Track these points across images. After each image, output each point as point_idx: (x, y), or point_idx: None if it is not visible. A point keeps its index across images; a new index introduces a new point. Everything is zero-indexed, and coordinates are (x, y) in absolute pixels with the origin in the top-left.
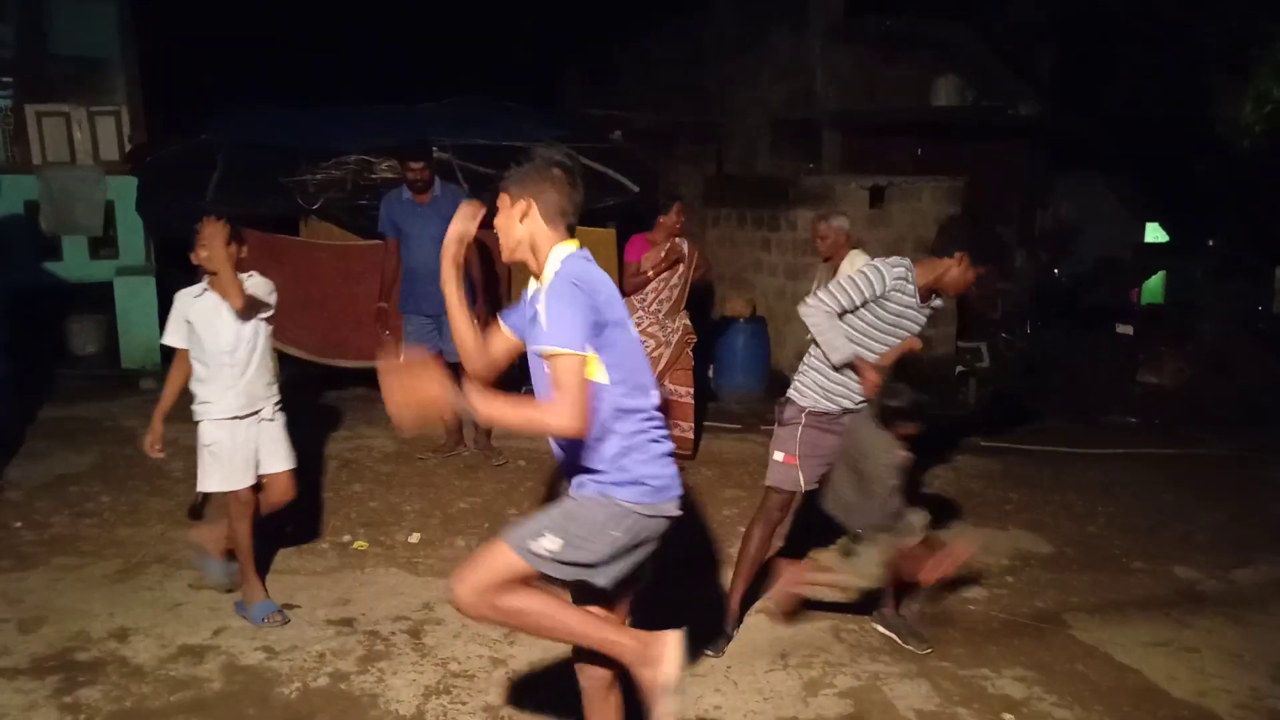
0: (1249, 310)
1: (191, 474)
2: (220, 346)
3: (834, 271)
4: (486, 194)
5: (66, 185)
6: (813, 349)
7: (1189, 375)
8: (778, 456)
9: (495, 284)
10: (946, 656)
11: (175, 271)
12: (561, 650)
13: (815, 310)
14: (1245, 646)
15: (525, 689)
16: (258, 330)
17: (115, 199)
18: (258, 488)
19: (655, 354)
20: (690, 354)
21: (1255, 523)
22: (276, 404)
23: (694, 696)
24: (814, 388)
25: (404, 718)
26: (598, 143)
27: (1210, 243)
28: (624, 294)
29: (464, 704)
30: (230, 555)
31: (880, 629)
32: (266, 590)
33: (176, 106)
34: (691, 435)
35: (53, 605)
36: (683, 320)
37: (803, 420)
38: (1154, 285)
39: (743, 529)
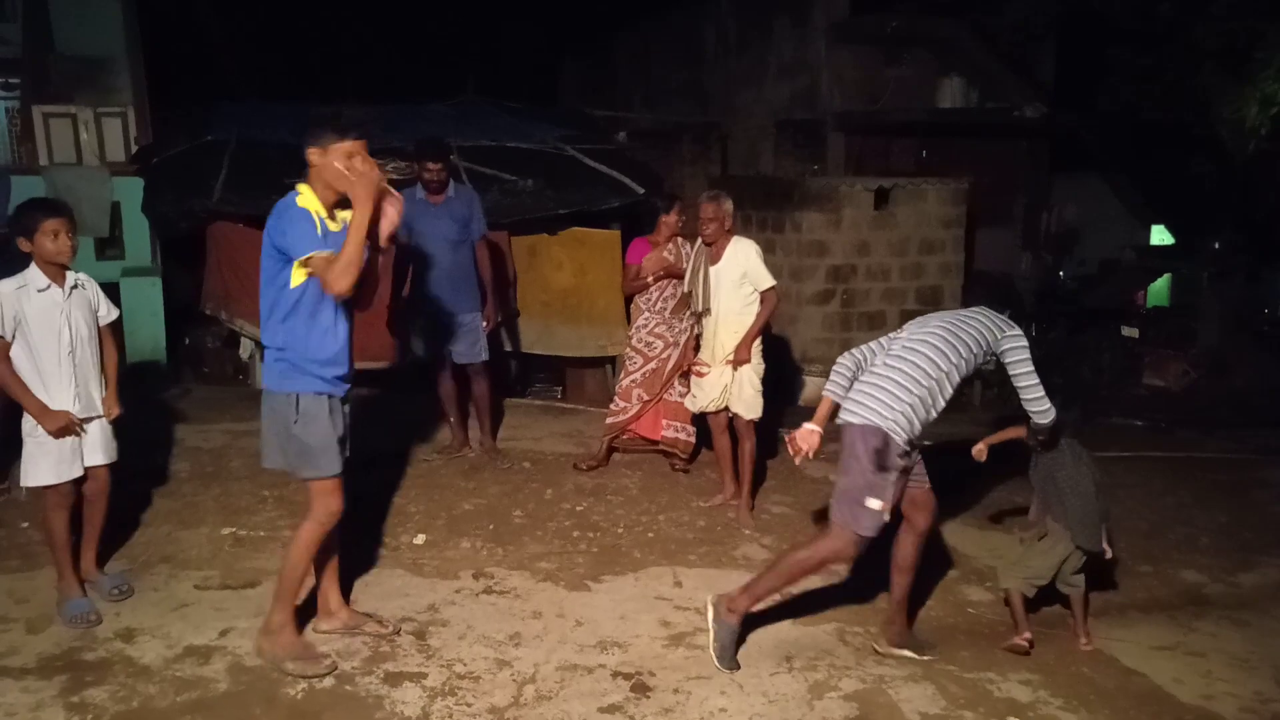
0: (1253, 313)
1: (197, 475)
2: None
3: (716, 257)
4: (490, 195)
5: (73, 186)
6: (918, 377)
7: (1193, 378)
8: (874, 505)
9: (504, 284)
10: (952, 660)
11: (181, 271)
12: (565, 653)
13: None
14: (1250, 650)
15: (530, 691)
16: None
17: (121, 199)
18: (81, 481)
19: (664, 355)
20: (692, 356)
21: (1259, 526)
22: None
23: (700, 699)
24: (915, 424)
25: (409, 719)
26: (602, 144)
27: (1216, 245)
28: (625, 296)
29: (469, 705)
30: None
31: (895, 653)
32: (83, 588)
33: (180, 104)
34: (694, 440)
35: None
36: (691, 320)
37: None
38: (1159, 288)
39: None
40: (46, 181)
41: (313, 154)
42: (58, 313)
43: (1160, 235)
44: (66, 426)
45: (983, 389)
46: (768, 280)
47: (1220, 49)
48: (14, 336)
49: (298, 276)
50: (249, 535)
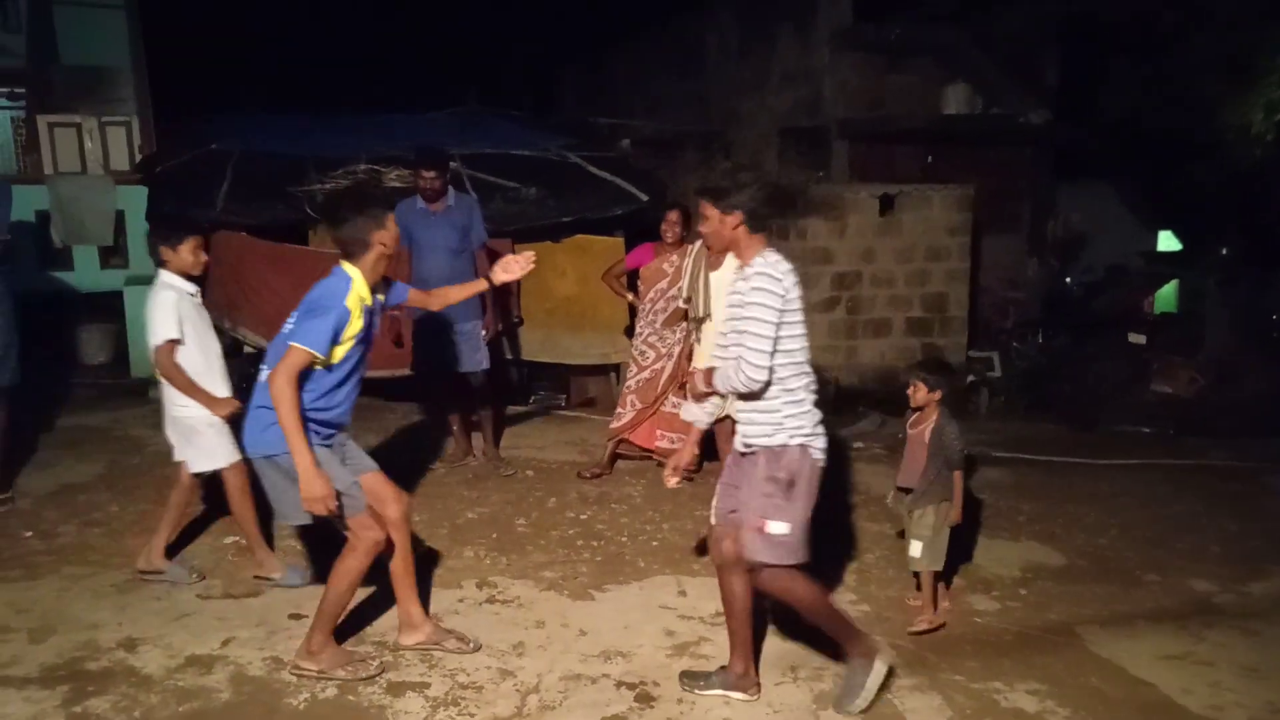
0: (1261, 318)
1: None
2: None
3: (716, 263)
4: (494, 203)
5: (77, 195)
6: (793, 376)
7: (1201, 384)
8: (782, 530)
9: (506, 293)
10: (959, 670)
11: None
12: (568, 662)
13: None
14: (1260, 660)
15: (533, 701)
16: None
17: (125, 208)
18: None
19: (657, 365)
20: (691, 366)
21: (1268, 534)
22: None
23: (703, 709)
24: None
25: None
26: (605, 152)
27: (1225, 251)
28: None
29: (472, 715)
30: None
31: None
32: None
33: (183, 114)
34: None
35: (62, 614)
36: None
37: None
38: (1166, 294)
39: None
40: (51, 190)
41: (379, 235)
42: (204, 315)
43: (1167, 241)
44: (235, 410)
45: (990, 396)
46: None
47: (1224, 56)
48: (182, 337)
49: (337, 354)
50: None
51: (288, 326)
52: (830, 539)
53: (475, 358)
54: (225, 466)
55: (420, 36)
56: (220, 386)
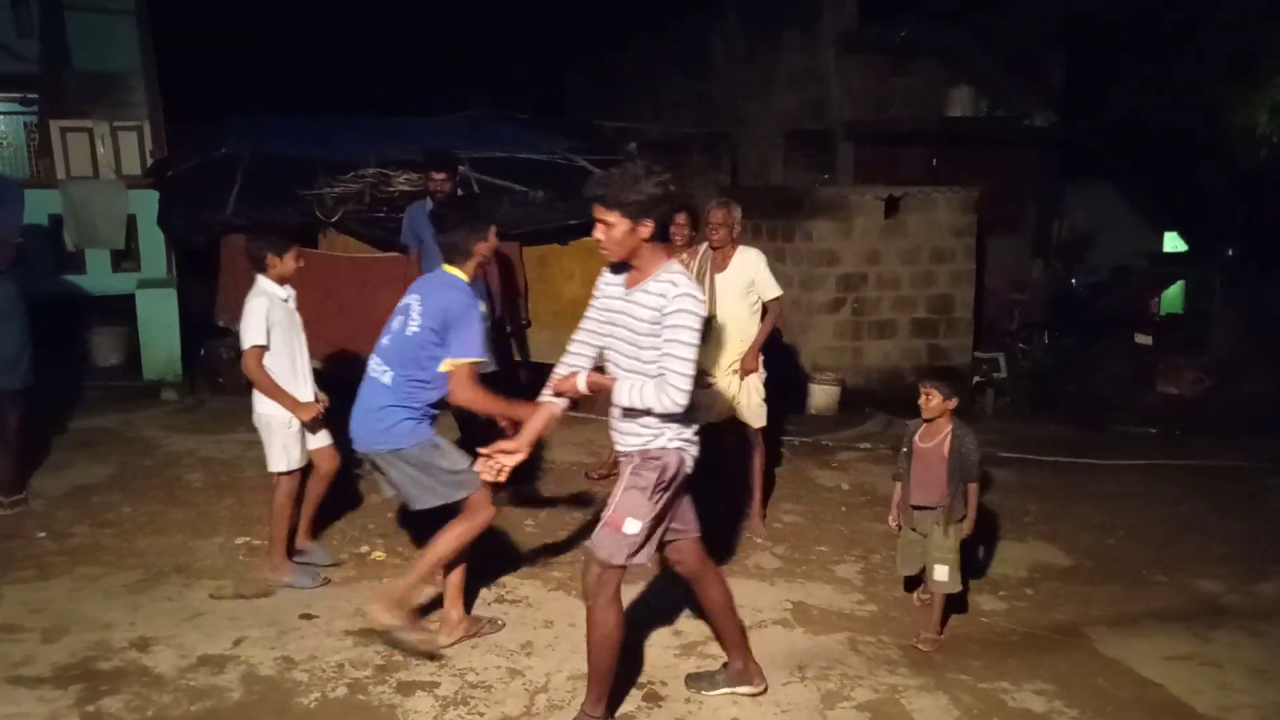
0: (1266, 319)
1: (211, 485)
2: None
3: (721, 264)
4: (501, 206)
5: (89, 199)
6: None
7: (1207, 385)
8: (633, 528)
9: (515, 296)
10: (966, 669)
11: (195, 284)
12: (577, 662)
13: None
14: (1268, 661)
15: (542, 700)
16: None
17: (137, 212)
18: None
19: None
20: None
21: (1275, 535)
22: None
23: (711, 709)
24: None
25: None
26: (612, 154)
27: (1230, 251)
28: None
29: (481, 715)
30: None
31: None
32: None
33: (192, 118)
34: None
35: (75, 614)
36: None
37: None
38: (1173, 294)
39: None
40: (63, 194)
41: (481, 246)
42: (294, 320)
43: (1173, 242)
44: (318, 415)
45: (995, 397)
46: (775, 290)
47: (1226, 56)
48: (269, 343)
49: (447, 364)
50: (263, 545)
51: (411, 329)
52: (833, 539)
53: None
54: (291, 470)
55: (426, 39)
56: (304, 390)
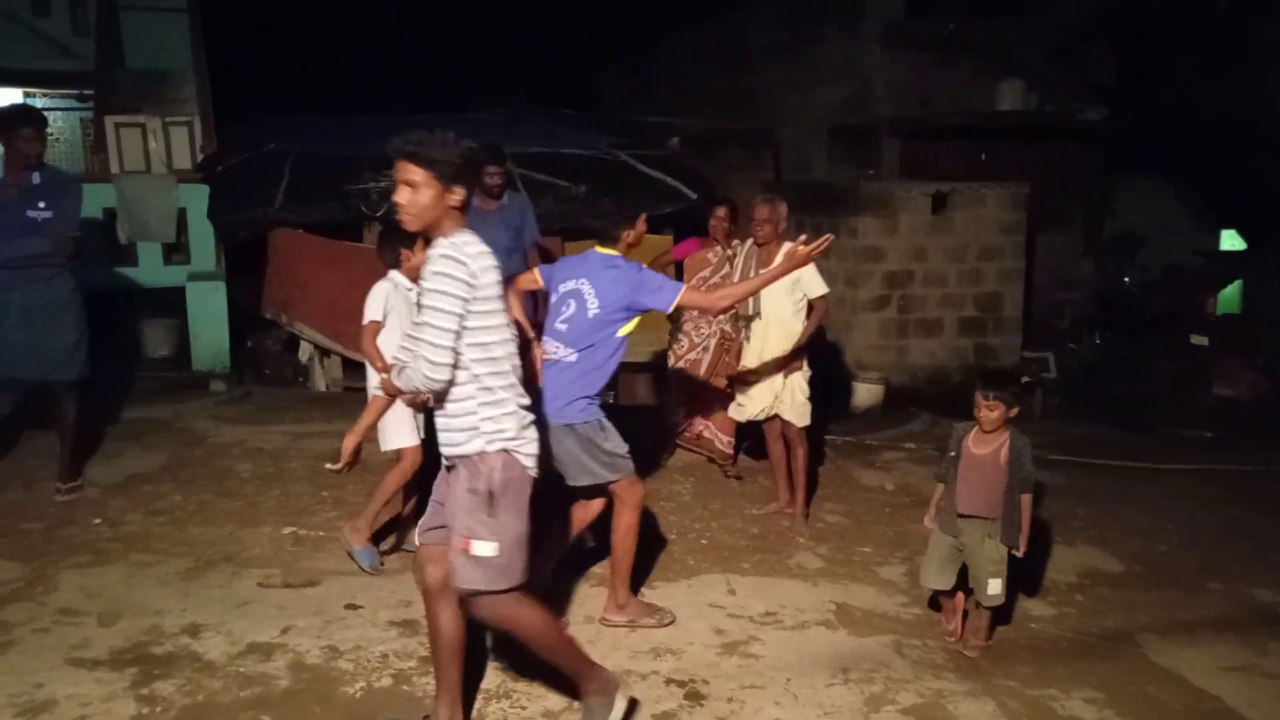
0: None
1: (258, 475)
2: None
3: (766, 261)
4: (544, 201)
5: (142, 193)
6: (490, 374)
7: (1266, 387)
8: (487, 550)
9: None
10: (1013, 675)
11: (241, 277)
12: (618, 658)
13: None
14: None
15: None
16: None
17: (187, 206)
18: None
19: (693, 357)
20: (731, 362)
21: None
22: None
23: (753, 709)
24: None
25: None
26: (653, 150)
27: None
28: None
29: (524, 709)
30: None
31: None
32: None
33: (234, 114)
34: (731, 450)
35: (129, 600)
36: (721, 325)
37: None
38: (1230, 294)
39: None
40: (117, 189)
41: (627, 234)
42: (412, 311)
43: (1231, 240)
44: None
45: (1044, 397)
46: (821, 288)
47: None
48: (385, 321)
49: (628, 328)
50: (309, 535)
51: (592, 311)
52: (877, 540)
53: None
54: (406, 447)
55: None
56: None
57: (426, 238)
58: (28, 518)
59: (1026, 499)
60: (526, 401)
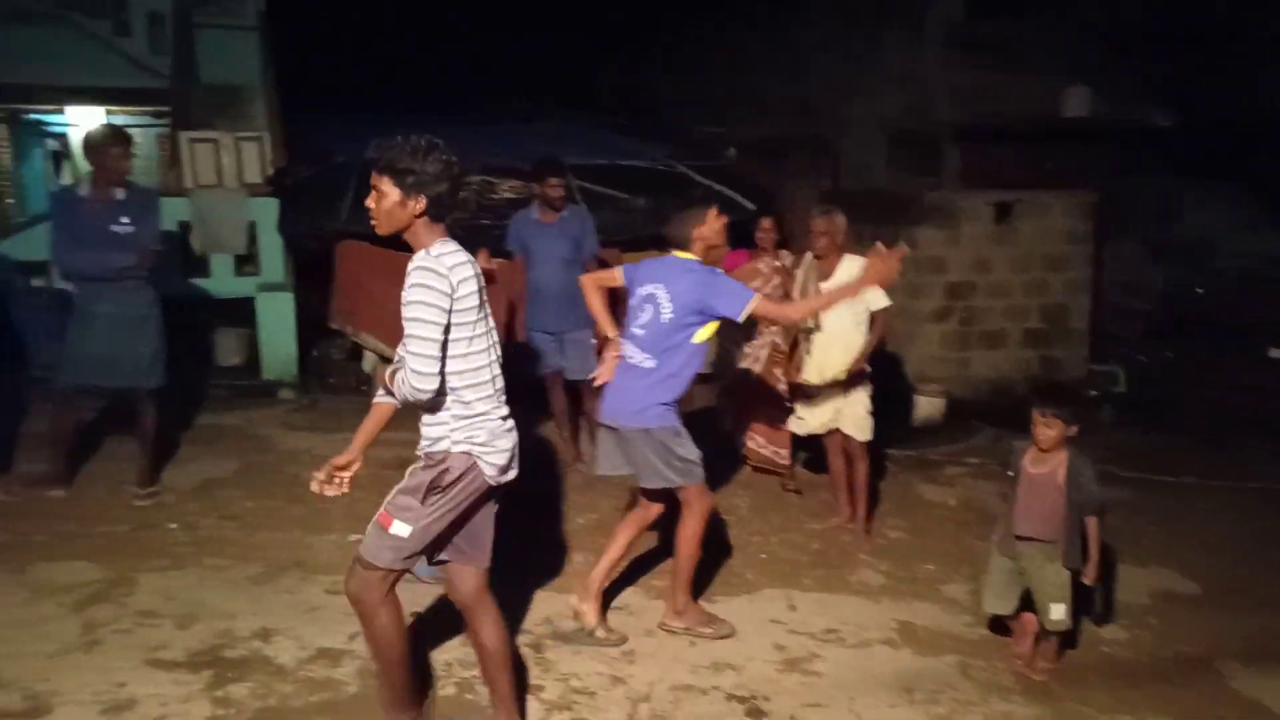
0: None
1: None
2: None
3: (826, 273)
4: (603, 213)
5: (214, 206)
6: (468, 387)
7: None
8: (401, 531)
9: (614, 303)
10: (1085, 700)
11: (309, 287)
12: (678, 672)
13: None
14: None
15: (644, 709)
16: None
17: (257, 219)
18: None
19: (745, 367)
20: (780, 374)
21: None
22: None
23: None
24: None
25: None
26: (712, 160)
27: None
28: None
29: None
30: None
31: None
32: None
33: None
34: (787, 461)
35: (203, 603)
36: (773, 336)
37: None
38: None
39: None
40: (191, 202)
41: (700, 230)
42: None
43: None
44: None
45: (1113, 412)
46: (883, 300)
47: None
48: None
49: (703, 334)
50: None
51: (665, 316)
52: (940, 557)
53: (586, 366)
54: None
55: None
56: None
57: (412, 246)
58: (110, 520)
59: (1093, 523)
60: (505, 412)
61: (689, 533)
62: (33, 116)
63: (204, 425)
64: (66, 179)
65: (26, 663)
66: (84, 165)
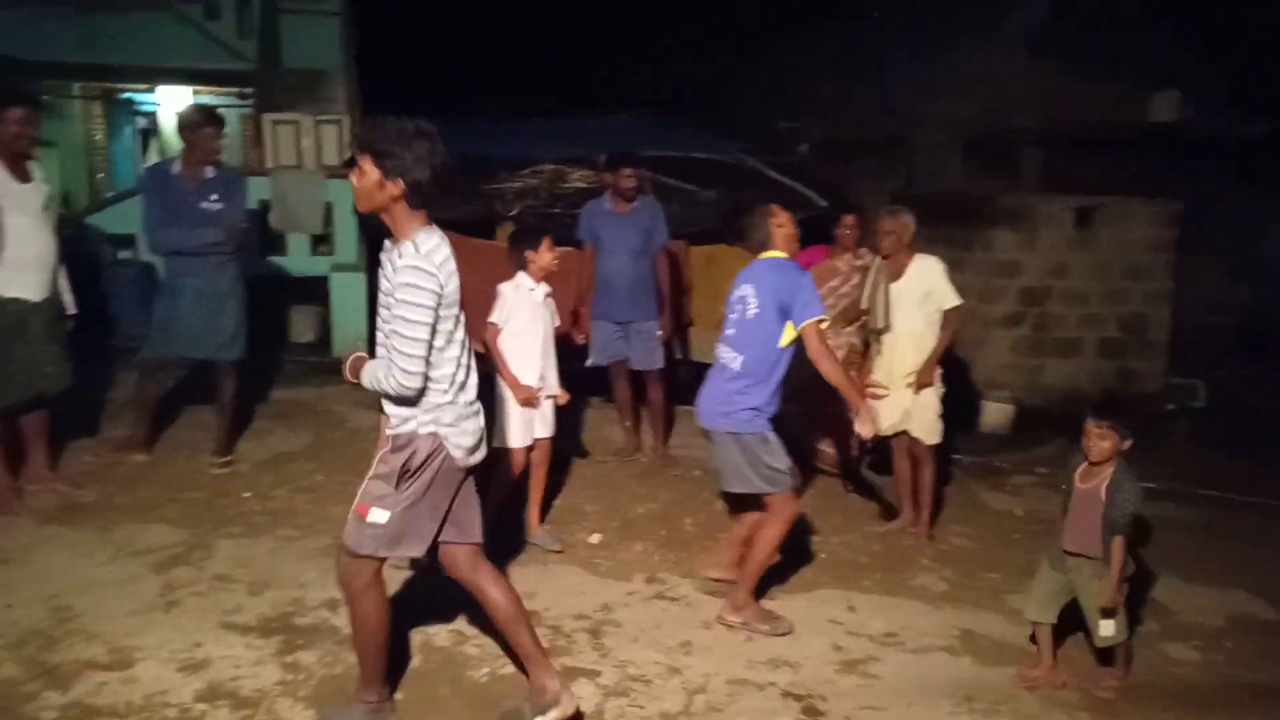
0: None
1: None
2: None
3: (897, 273)
4: (673, 205)
5: (293, 186)
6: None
7: None
8: (379, 518)
9: (680, 294)
10: None
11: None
12: (735, 666)
13: None
14: None
15: (700, 701)
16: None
17: (334, 201)
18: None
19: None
20: (855, 377)
21: None
22: None
23: None
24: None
25: (583, 714)
26: (783, 156)
27: None
28: None
29: (641, 708)
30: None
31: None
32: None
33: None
34: (856, 454)
35: (275, 571)
36: (850, 338)
37: None
38: None
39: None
40: (271, 182)
41: (774, 220)
42: (536, 311)
43: None
44: (531, 399)
45: (1191, 427)
46: (954, 299)
47: None
48: (505, 325)
49: (787, 337)
50: None
51: (751, 313)
52: (1005, 567)
53: (652, 357)
54: (514, 448)
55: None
56: (531, 375)
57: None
58: (190, 487)
59: (1118, 543)
60: (471, 396)
61: (767, 537)
62: (124, 95)
63: (278, 399)
64: (154, 156)
65: (111, 618)
66: (171, 143)
